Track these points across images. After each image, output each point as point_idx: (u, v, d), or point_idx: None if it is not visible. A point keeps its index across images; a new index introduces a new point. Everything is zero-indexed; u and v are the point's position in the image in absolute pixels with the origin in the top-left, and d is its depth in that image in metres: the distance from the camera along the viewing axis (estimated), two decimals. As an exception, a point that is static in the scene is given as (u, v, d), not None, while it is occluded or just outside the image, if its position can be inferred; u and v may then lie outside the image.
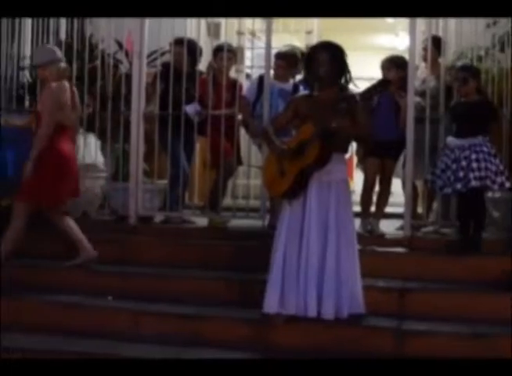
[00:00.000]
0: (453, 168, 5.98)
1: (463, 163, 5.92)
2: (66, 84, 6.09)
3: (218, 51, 7.16)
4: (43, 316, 5.61)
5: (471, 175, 5.86)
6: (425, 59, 6.98)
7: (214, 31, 7.65)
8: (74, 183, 6.17)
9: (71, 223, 6.13)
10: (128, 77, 7.05)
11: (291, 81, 6.99)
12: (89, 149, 7.26)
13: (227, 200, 7.56)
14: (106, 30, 7.16)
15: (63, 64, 6.15)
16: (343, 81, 5.18)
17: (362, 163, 6.95)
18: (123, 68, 7.44)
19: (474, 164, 5.88)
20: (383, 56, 6.91)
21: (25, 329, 5.50)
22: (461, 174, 5.91)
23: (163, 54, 7.28)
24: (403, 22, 9.10)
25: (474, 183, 5.85)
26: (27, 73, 7.73)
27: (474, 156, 5.91)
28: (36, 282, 6.02)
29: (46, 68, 6.08)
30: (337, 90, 5.13)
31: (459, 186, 5.91)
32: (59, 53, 6.22)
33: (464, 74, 6.15)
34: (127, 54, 7.38)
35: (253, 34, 9.01)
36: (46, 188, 5.94)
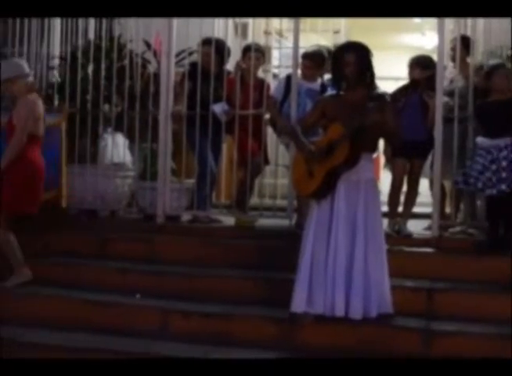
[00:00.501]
0: (493, 169, 5.93)
1: (504, 163, 5.88)
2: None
3: (246, 51, 7.17)
4: (72, 314, 5.65)
5: None
6: (453, 59, 6.94)
7: (241, 31, 7.65)
8: (41, 195, 6.19)
9: (12, 239, 6.02)
10: (156, 76, 7.10)
11: (319, 81, 6.99)
12: (117, 148, 7.31)
13: (254, 200, 7.57)
14: (134, 31, 7.19)
15: (30, 78, 6.21)
16: (369, 80, 5.19)
17: (389, 163, 6.93)
18: (151, 68, 7.48)
19: None
20: (410, 55, 6.88)
21: (54, 326, 5.55)
22: (503, 175, 5.87)
23: (191, 54, 7.31)
24: (430, 21, 9.08)
25: None
26: (56, 72, 7.78)
27: None
28: (66, 280, 6.07)
29: (14, 82, 6.11)
30: (365, 90, 5.14)
31: (503, 186, 5.86)
32: (27, 67, 6.27)
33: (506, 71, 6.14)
34: (155, 54, 7.43)
35: (280, 34, 9.02)
36: (15, 197, 5.93)
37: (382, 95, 5.09)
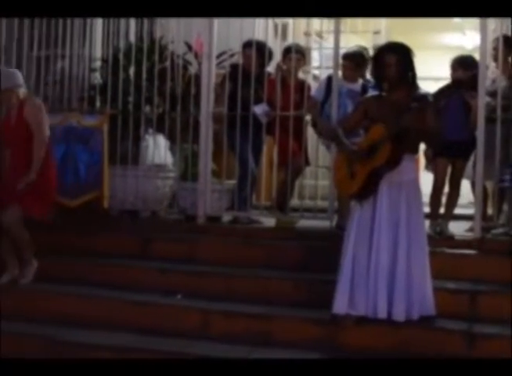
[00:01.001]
0: None
1: None
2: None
3: (286, 52, 7.18)
4: (113, 314, 5.70)
5: None
6: (495, 59, 6.87)
7: (281, 32, 7.67)
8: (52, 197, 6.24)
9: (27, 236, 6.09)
10: (197, 78, 7.13)
11: (359, 82, 6.97)
12: (159, 149, 7.35)
13: (294, 201, 7.57)
14: (175, 32, 7.23)
15: (23, 89, 6.25)
16: (411, 81, 5.17)
17: (431, 164, 6.88)
18: (192, 69, 7.52)
19: None
20: (450, 55, 6.83)
21: (94, 326, 5.60)
22: None
23: (232, 55, 7.33)
24: (471, 21, 8.98)
25: None
26: (97, 74, 7.86)
27: None
28: (106, 280, 6.12)
29: (14, 92, 6.15)
30: (407, 90, 5.12)
31: None
32: (21, 78, 6.30)
33: None
34: (196, 55, 7.46)
35: (319, 35, 9.00)
36: (41, 198, 6.04)
37: (424, 96, 5.07)
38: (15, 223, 5.93)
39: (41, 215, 6.06)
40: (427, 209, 6.43)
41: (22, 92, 6.20)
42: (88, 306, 5.79)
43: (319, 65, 8.25)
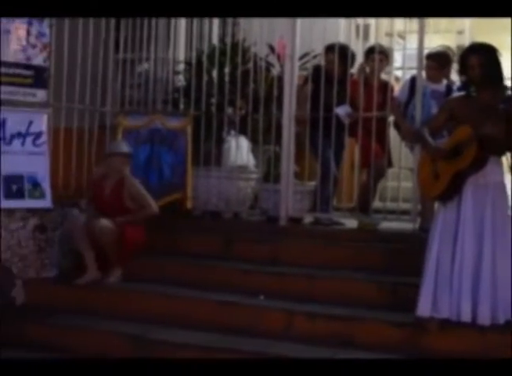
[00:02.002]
0: None
1: None
2: None
3: (369, 52, 7.15)
4: (197, 313, 5.78)
5: None
6: None
7: (363, 33, 7.62)
8: None
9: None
10: (280, 79, 7.16)
11: (444, 82, 6.89)
12: (241, 151, 7.40)
13: (376, 203, 7.53)
14: (258, 34, 7.28)
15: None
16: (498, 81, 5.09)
17: None
18: (274, 71, 7.56)
19: None
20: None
21: (180, 325, 5.69)
22: None
23: (315, 57, 7.33)
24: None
25: None
26: (181, 77, 7.96)
27: None
28: (190, 279, 6.21)
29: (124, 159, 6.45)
30: (494, 91, 5.04)
31: None
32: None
33: None
34: (278, 57, 7.49)
35: (401, 35, 8.92)
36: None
37: (510, 98, 4.99)
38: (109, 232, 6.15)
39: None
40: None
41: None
42: (172, 305, 5.88)
43: (401, 66, 8.18)
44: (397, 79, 8.28)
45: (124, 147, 6.53)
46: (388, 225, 6.83)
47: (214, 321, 5.68)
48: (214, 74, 7.49)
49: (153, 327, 5.67)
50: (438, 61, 6.85)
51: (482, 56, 5.06)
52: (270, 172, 7.14)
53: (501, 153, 5.17)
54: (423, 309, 5.09)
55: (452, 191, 5.05)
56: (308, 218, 7.16)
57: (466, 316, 4.98)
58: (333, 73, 6.91)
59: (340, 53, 6.96)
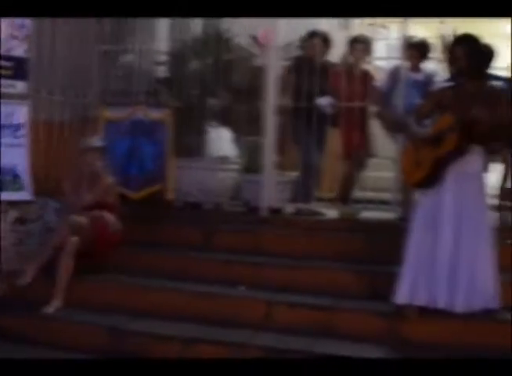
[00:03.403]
0: None
1: None
2: None
3: (352, 42, 7.13)
4: (177, 304, 5.76)
5: None
6: None
7: (344, 23, 7.62)
8: None
9: None
10: (263, 70, 7.13)
11: (423, 72, 6.89)
12: (222, 141, 7.38)
13: (357, 192, 7.53)
14: (240, 25, 7.24)
15: None
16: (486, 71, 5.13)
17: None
18: (257, 62, 7.52)
19: None
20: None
21: (160, 317, 5.67)
22: None
23: (297, 47, 7.31)
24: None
25: None
26: (163, 68, 7.92)
27: None
28: (170, 270, 6.19)
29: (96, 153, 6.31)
30: (479, 81, 5.07)
31: None
32: None
33: None
34: (261, 47, 7.45)
35: (383, 25, 8.92)
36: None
37: (497, 88, 5.02)
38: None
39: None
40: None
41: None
42: (151, 297, 5.86)
43: (382, 55, 8.20)
44: (377, 69, 8.28)
45: (97, 141, 6.44)
46: (369, 214, 6.83)
47: (194, 312, 5.65)
48: (197, 64, 7.44)
49: (131, 319, 5.65)
50: (419, 50, 6.84)
51: (467, 46, 5.08)
52: (251, 163, 7.12)
53: (485, 142, 5.14)
54: (402, 296, 5.14)
55: (432, 178, 5.08)
56: (289, 209, 7.15)
57: (441, 303, 5.03)
58: (313, 60, 6.89)
59: (324, 39, 6.95)
